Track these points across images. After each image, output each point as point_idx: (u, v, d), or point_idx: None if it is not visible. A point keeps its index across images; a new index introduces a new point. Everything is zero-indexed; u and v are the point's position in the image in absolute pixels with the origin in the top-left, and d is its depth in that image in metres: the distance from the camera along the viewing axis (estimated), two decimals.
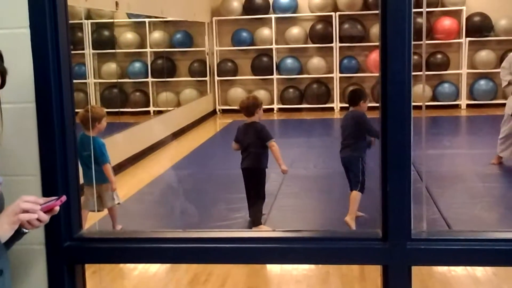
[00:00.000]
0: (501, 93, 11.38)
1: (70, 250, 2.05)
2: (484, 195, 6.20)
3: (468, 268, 4.30)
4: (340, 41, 12.58)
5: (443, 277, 4.27)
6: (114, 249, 2.09)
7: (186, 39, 12.81)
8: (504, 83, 7.27)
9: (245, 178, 5.45)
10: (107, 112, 10.67)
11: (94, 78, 10.48)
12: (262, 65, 12.93)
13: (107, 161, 4.92)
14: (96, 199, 4.98)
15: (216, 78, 13.12)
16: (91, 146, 4.78)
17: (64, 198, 1.74)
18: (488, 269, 4.29)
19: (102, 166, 4.88)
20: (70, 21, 2.08)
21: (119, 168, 7.75)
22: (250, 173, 5.42)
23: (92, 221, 5.02)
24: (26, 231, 1.71)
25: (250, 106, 5.39)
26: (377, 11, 1.95)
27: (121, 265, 4.56)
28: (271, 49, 12.90)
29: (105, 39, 10.84)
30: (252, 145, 5.35)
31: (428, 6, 12.28)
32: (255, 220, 5.40)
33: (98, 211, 5.11)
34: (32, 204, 1.67)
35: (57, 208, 1.73)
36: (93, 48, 10.08)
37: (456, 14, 12.42)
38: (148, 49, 11.98)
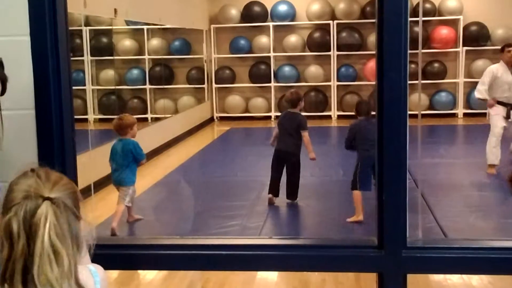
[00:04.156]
0: None
1: None
2: (480, 203, 6.21)
3: (464, 276, 4.31)
4: (338, 50, 12.62)
5: (438, 286, 4.28)
6: (110, 255, 2.09)
7: (184, 46, 12.83)
8: (478, 95, 7.56)
9: (277, 158, 6.26)
10: (104, 119, 10.73)
11: (92, 84, 10.49)
12: (260, 72, 12.96)
13: (144, 157, 5.79)
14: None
15: (214, 85, 13.14)
16: (127, 147, 5.58)
17: None
18: (484, 278, 4.30)
19: (141, 161, 5.74)
20: (69, 28, 2.09)
21: None
22: (285, 155, 6.20)
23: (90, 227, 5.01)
24: None
25: (294, 99, 6.35)
26: (374, 20, 1.96)
27: (117, 272, 4.56)
28: (269, 57, 12.94)
29: (103, 45, 10.85)
30: (292, 130, 6.18)
31: (425, 15, 12.33)
32: (291, 196, 6.24)
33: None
34: None
35: None
36: (92, 55, 10.09)
37: (453, 23, 12.48)
38: (146, 56, 11.99)
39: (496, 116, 7.51)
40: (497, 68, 7.51)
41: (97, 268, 1.59)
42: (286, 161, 6.23)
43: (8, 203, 1.43)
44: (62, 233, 1.41)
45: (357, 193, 5.65)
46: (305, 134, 6.18)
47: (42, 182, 1.45)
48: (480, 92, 7.55)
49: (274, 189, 6.28)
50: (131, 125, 5.70)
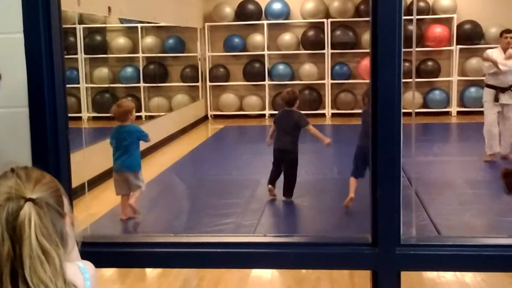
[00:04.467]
0: None
1: None
2: (474, 201, 6.23)
3: (457, 273, 4.33)
4: (332, 48, 12.63)
5: (432, 283, 4.30)
6: (104, 253, 2.09)
7: (178, 44, 12.82)
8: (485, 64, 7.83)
9: (276, 156, 6.31)
10: (98, 117, 10.70)
11: (86, 82, 10.47)
12: (254, 71, 12.96)
13: (147, 139, 5.93)
14: (123, 184, 5.77)
15: (208, 83, 13.13)
16: (128, 133, 5.72)
17: None
18: (477, 275, 4.31)
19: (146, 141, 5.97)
20: (63, 26, 2.09)
21: (111, 172, 7.74)
22: (283, 153, 6.26)
23: (83, 225, 5.01)
24: None
25: (291, 99, 6.40)
26: (368, 18, 1.97)
27: (111, 270, 4.56)
28: (263, 55, 12.93)
29: (97, 44, 10.83)
30: (289, 129, 6.25)
31: (419, 14, 12.34)
32: (287, 193, 6.27)
33: (124, 195, 5.81)
34: None
35: None
36: (85, 53, 10.07)
37: (447, 21, 12.50)
38: (140, 54, 11.97)
39: (486, 103, 7.81)
40: (493, 52, 7.73)
41: (86, 265, 1.57)
42: (284, 159, 6.29)
43: None
44: (48, 233, 1.39)
45: (352, 179, 5.92)
46: (310, 127, 6.32)
47: (23, 183, 1.43)
48: (485, 66, 7.82)
49: (273, 180, 6.39)
50: (130, 110, 5.82)
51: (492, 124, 7.74)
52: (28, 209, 1.38)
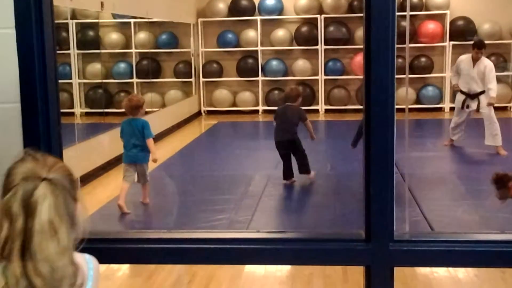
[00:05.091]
0: None
1: None
2: (466, 197, 6.26)
3: (450, 269, 4.34)
4: (325, 44, 12.63)
5: (425, 279, 4.31)
6: (97, 249, 2.08)
7: (172, 40, 12.79)
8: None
9: (281, 148, 6.75)
10: (91, 113, 10.67)
11: (79, 78, 10.44)
12: (247, 66, 12.95)
13: (152, 135, 6.04)
14: (132, 175, 5.98)
15: (201, 79, 13.11)
16: (138, 127, 5.92)
17: None
18: (470, 271, 4.33)
19: (147, 139, 5.93)
20: (55, 21, 2.08)
21: (103, 168, 7.74)
22: (287, 143, 6.71)
23: None
24: None
25: (293, 95, 6.93)
26: (361, 14, 1.96)
27: (104, 266, 4.55)
28: (257, 51, 12.92)
29: (90, 39, 10.80)
30: (291, 122, 6.74)
31: (412, 10, 12.36)
32: (304, 171, 6.75)
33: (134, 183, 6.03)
34: None
35: None
36: (78, 48, 10.03)
37: (440, 18, 12.52)
38: (133, 50, 11.94)
39: (456, 108, 8.54)
40: (462, 60, 8.37)
41: (91, 258, 1.66)
42: (289, 146, 6.71)
43: (7, 186, 1.48)
44: (60, 212, 1.46)
45: None
46: (308, 122, 6.85)
47: (40, 165, 1.50)
48: (452, 78, 8.69)
49: (288, 174, 6.75)
50: (142, 105, 6.09)
51: (457, 124, 8.44)
52: (43, 188, 1.46)
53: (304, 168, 6.76)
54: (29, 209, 1.43)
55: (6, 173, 1.51)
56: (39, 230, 1.42)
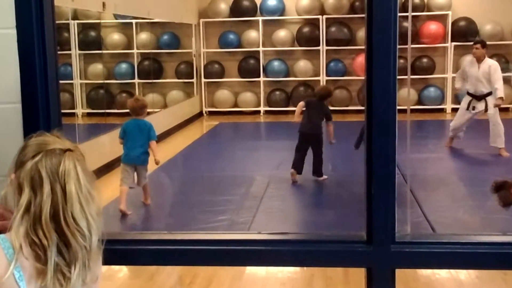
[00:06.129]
0: None
1: None
2: (468, 198, 6.25)
3: (452, 271, 4.33)
4: (327, 44, 12.62)
5: (427, 280, 4.30)
6: None
7: (173, 40, 12.79)
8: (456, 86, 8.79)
9: (304, 141, 6.89)
10: (92, 113, 10.66)
11: (80, 79, 10.44)
12: (249, 67, 12.94)
13: (155, 138, 6.03)
14: (131, 176, 5.95)
15: (203, 80, 13.11)
16: (146, 127, 5.97)
17: None
18: (472, 272, 4.32)
19: (151, 141, 5.93)
20: (57, 22, 2.07)
21: (106, 168, 7.72)
22: (314, 137, 6.88)
23: None
24: None
25: (324, 94, 7.14)
26: (363, 15, 1.96)
27: (104, 267, 4.54)
28: (258, 51, 12.92)
29: (91, 39, 10.80)
30: (317, 117, 6.90)
31: (414, 11, 12.36)
32: (318, 173, 6.88)
33: (131, 188, 6.01)
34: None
35: None
36: (80, 49, 10.03)
37: (442, 18, 12.51)
38: (135, 50, 11.95)
39: (460, 109, 8.44)
40: (466, 62, 8.43)
41: None
42: (312, 141, 6.87)
43: (24, 156, 1.54)
44: (88, 180, 1.57)
45: None
46: (330, 123, 7.02)
47: (61, 139, 1.59)
48: (456, 82, 8.69)
49: (299, 166, 6.85)
50: (146, 106, 6.21)
51: (459, 125, 8.41)
52: (71, 157, 1.55)
53: (318, 173, 6.90)
54: (57, 175, 1.51)
55: (21, 147, 1.57)
56: (77, 193, 1.51)
